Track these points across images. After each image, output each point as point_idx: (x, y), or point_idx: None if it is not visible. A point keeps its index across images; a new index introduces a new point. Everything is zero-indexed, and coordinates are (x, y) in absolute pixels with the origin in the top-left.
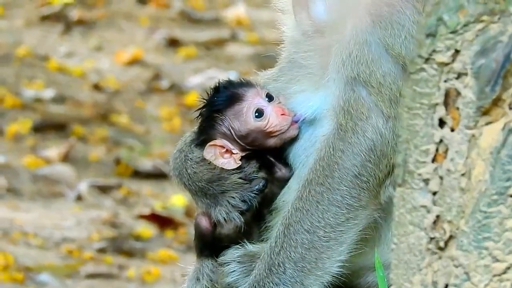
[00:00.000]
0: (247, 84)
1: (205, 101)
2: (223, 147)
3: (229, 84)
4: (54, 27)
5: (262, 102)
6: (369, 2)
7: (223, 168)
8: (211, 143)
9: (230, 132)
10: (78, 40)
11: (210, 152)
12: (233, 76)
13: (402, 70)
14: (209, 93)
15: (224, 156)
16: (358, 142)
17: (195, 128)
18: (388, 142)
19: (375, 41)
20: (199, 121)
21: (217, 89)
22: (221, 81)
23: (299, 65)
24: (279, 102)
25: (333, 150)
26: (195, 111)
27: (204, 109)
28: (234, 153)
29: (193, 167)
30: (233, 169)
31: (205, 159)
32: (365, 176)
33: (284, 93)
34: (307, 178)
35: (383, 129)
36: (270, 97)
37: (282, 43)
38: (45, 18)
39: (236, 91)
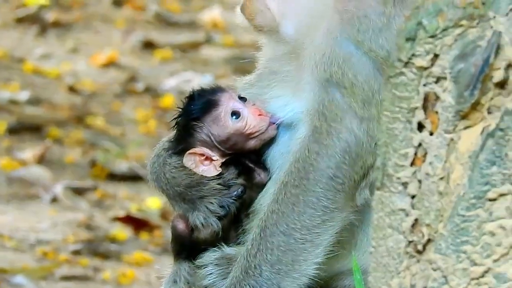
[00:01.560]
0: (219, 89)
1: (180, 110)
2: (202, 154)
3: (203, 91)
4: (30, 29)
5: (238, 104)
6: (336, 2)
7: (202, 175)
8: (190, 151)
9: (210, 138)
10: (54, 42)
11: (190, 160)
12: (208, 79)
13: (374, 67)
14: (184, 101)
15: (204, 164)
16: (333, 144)
17: (172, 137)
18: (363, 143)
19: (345, 39)
20: (176, 130)
21: (191, 97)
22: (194, 89)
23: (276, 71)
24: (253, 104)
25: (308, 152)
26: (171, 120)
27: (180, 118)
28: (214, 160)
29: (171, 172)
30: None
31: (184, 165)
32: (340, 178)
33: (261, 99)
34: (282, 181)
35: (357, 130)
36: (243, 99)
37: (260, 49)
38: (20, 20)
39: (211, 97)
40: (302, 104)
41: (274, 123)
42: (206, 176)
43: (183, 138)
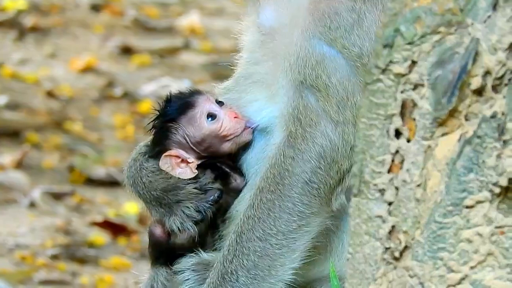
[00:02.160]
0: (197, 92)
1: (157, 112)
2: (178, 157)
3: (180, 94)
4: (8, 34)
5: (214, 107)
6: (309, 3)
7: (179, 178)
8: (166, 153)
9: (185, 139)
10: (32, 47)
11: (166, 163)
12: (186, 84)
13: (348, 67)
14: (161, 104)
15: (180, 166)
16: (308, 148)
17: (149, 140)
18: (338, 148)
19: (317, 39)
20: (153, 133)
21: (168, 100)
22: (171, 92)
23: (253, 76)
24: (230, 108)
25: (283, 157)
26: (148, 123)
27: (156, 121)
28: (189, 162)
29: (148, 176)
30: (189, 179)
31: (161, 168)
32: (315, 183)
33: (237, 104)
34: (258, 186)
35: (332, 135)
36: (220, 103)
37: (238, 54)
38: None
39: (187, 99)
40: (278, 108)
41: (250, 127)
42: (182, 180)
43: (159, 140)
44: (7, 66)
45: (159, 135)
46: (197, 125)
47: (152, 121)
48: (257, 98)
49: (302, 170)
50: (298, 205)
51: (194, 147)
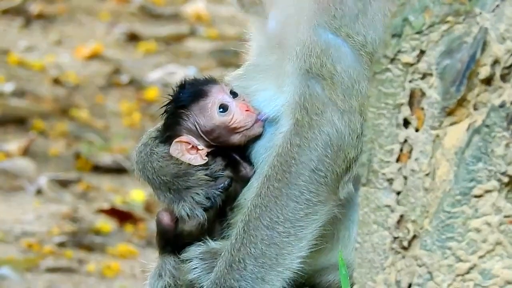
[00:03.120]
0: (212, 81)
1: (170, 97)
2: (189, 143)
3: (194, 81)
4: (14, 21)
5: (227, 98)
6: None
7: (189, 164)
8: (177, 139)
9: (196, 127)
10: (38, 34)
11: (177, 149)
12: (192, 71)
13: (353, 55)
14: (174, 89)
15: (190, 152)
16: (314, 136)
17: (160, 124)
18: (345, 136)
19: (322, 28)
20: (164, 117)
21: (182, 86)
22: (186, 78)
23: (261, 64)
24: (244, 100)
25: (290, 145)
26: (160, 107)
27: (169, 106)
28: (200, 149)
29: (158, 161)
30: (200, 166)
31: (171, 154)
32: (322, 171)
33: (247, 92)
34: (265, 175)
35: (339, 123)
36: (234, 94)
37: (246, 41)
38: (5, 12)
39: (201, 87)
40: (285, 97)
41: (260, 120)
42: (193, 167)
43: (171, 126)
44: (14, 53)
45: (171, 120)
46: (207, 115)
47: (164, 106)
48: (266, 87)
49: (308, 158)
50: (305, 193)
51: (203, 136)
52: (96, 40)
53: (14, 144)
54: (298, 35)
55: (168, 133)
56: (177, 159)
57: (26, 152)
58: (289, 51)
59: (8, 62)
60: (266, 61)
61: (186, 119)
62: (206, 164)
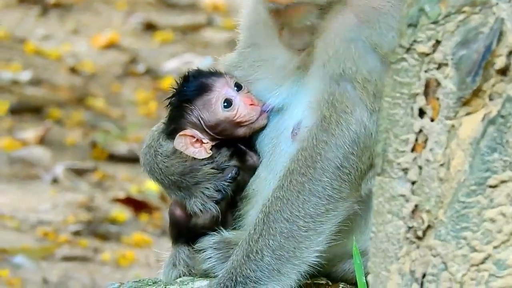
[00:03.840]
0: (216, 74)
1: (174, 90)
2: (193, 136)
3: (198, 73)
4: (31, 10)
5: (231, 92)
6: (354, 3)
7: (194, 160)
8: (181, 133)
9: (200, 122)
10: (55, 23)
11: (181, 142)
12: (208, 61)
13: (385, 64)
14: (179, 82)
15: (194, 146)
16: (342, 134)
17: (162, 122)
18: (372, 135)
19: (361, 40)
20: (169, 110)
21: (186, 79)
22: (190, 70)
23: (262, 51)
24: (248, 92)
25: (316, 141)
26: (164, 100)
27: (173, 98)
28: (204, 143)
29: (164, 162)
30: (205, 160)
31: (175, 152)
32: (347, 168)
33: (248, 81)
34: (288, 168)
35: (367, 122)
36: (238, 86)
37: (240, 26)
38: (22, 1)
39: (205, 81)
40: (294, 90)
41: (265, 112)
42: (199, 162)
43: (175, 119)
44: (30, 42)
45: (175, 113)
46: (212, 110)
47: (169, 98)
48: (269, 77)
49: (334, 155)
50: (328, 189)
51: (208, 130)
52: (113, 29)
53: (31, 132)
54: (330, 40)
55: (172, 126)
56: (182, 157)
57: (42, 140)
58: (318, 52)
59: (25, 51)
60: (270, 51)
61: (190, 113)
62: (211, 157)
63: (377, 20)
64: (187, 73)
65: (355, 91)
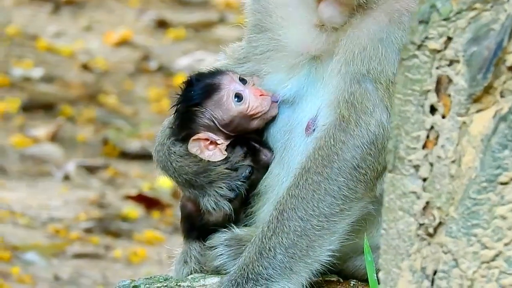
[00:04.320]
0: (219, 72)
1: (179, 96)
2: (207, 139)
3: (201, 75)
4: (44, 7)
5: (239, 87)
6: (386, 3)
7: (208, 160)
8: (194, 137)
9: (213, 122)
10: (68, 20)
11: (195, 146)
12: (221, 58)
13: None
14: (182, 88)
15: (209, 148)
16: (361, 135)
17: (173, 123)
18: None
19: (390, 41)
20: (176, 117)
21: (190, 83)
22: (191, 75)
23: (273, 36)
24: (253, 84)
25: (333, 140)
26: (170, 107)
27: (180, 105)
28: (219, 144)
29: (177, 161)
30: (219, 160)
31: (189, 153)
32: (363, 169)
33: (257, 74)
34: (304, 166)
35: (386, 123)
36: (243, 80)
37: (245, 9)
38: None
39: (211, 81)
40: (304, 83)
41: (275, 101)
42: (212, 162)
43: (185, 125)
44: (43, 38)
45: (185, 120)
46: (224, 108)
47: (175, 105)
48: (277, 69)
49: (352, 156)
50: (344, 189)
51: (222, 129)
52: (126, 26)
53: (42, 129)
54: (356, 38)
55: (184, 132)
56: (196, 156)
57: (54, 137)
58: (342, 49)
59: (37, 48)
60: (281, 44)
61: (202, 116)
62: (225, 157)
63: (408, 23)
64: (189, 78)
65: (377, 92)
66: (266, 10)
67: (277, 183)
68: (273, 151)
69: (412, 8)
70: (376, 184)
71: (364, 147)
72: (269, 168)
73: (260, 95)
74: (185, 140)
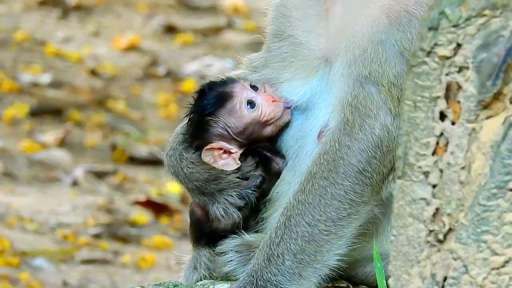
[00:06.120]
0: (230, 80)
1: (192, 106)
2: (221, 148)
3: (213, 84)
4: (52, 12)
5: (251, 94)
6: (385, 4)
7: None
8: (208, 146)
9: (227, 131)
10: (76, 25)
11: (208, 156)
12: (229, 63)
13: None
14: (195, 97)
15: (222, 158)
16: (365, 138)
17: (186, 131)
18: (394, 138)
19: (390, 42)
20: (190, 127)
21: (202, 93)
22: (203, 84)
23: (292, 39)
24: (265, 91)
25: (338, 145)
26: (183, 117)
27: (193, 115)
28: (232, 153)
29: (189, 167)
30: None
31: (201, 160)
32: (369, 172)
33: (273, 82)
34: (310, 171)
35: (391, 126)
36: (254, 87)
37: (267, 19)
38: (43, 3)
39: (223, 90)
40: (317, 89)
41: (288, 108)
42: (224, 171)
43: (199, 135)
44: (51, 44)
45: (198, 130)
46: (238, 115)
47: (187, 115)
48: (292, 76)
49: (357, 160)
50: (350, 193)
51: (236, 137)
52: (133, 32)
53: (51, 135)
54: (358, 40)
55: (197, 142)
56: (208, 164)
57: (62, 143)
58: (343, 51)
59: (45, 53)
60: (299, 49)
61: (215, 125)
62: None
63: (408, 24)
64: (201, 87)
65: (379, 94)
66: (285, 16)
67: (288, 190)
68: (285, 158)
69: (411, 9)
70: (382, 187)
71: (369, 151)
72: (281, 175)
73: (273, 101)
74: (198, 149)
